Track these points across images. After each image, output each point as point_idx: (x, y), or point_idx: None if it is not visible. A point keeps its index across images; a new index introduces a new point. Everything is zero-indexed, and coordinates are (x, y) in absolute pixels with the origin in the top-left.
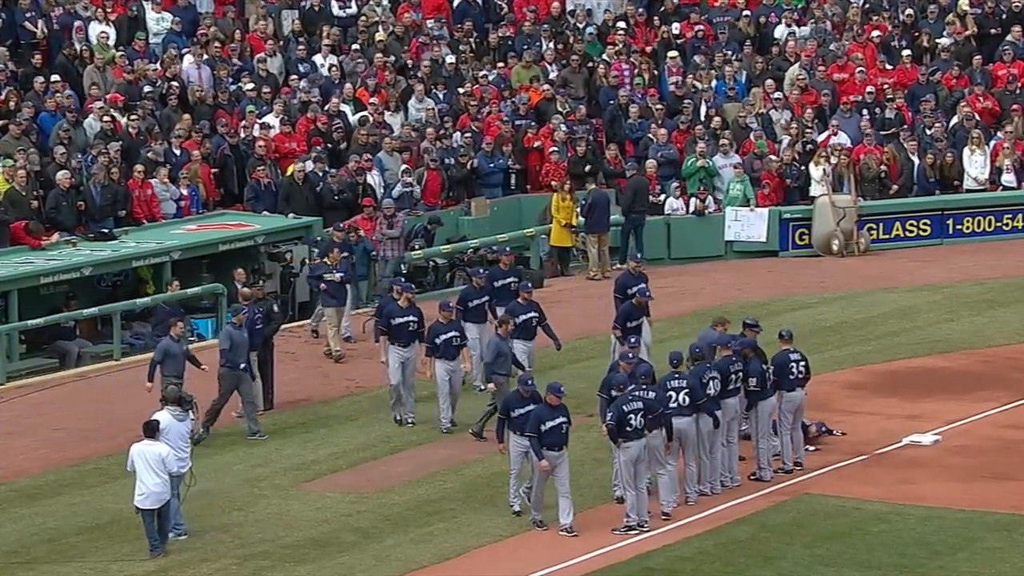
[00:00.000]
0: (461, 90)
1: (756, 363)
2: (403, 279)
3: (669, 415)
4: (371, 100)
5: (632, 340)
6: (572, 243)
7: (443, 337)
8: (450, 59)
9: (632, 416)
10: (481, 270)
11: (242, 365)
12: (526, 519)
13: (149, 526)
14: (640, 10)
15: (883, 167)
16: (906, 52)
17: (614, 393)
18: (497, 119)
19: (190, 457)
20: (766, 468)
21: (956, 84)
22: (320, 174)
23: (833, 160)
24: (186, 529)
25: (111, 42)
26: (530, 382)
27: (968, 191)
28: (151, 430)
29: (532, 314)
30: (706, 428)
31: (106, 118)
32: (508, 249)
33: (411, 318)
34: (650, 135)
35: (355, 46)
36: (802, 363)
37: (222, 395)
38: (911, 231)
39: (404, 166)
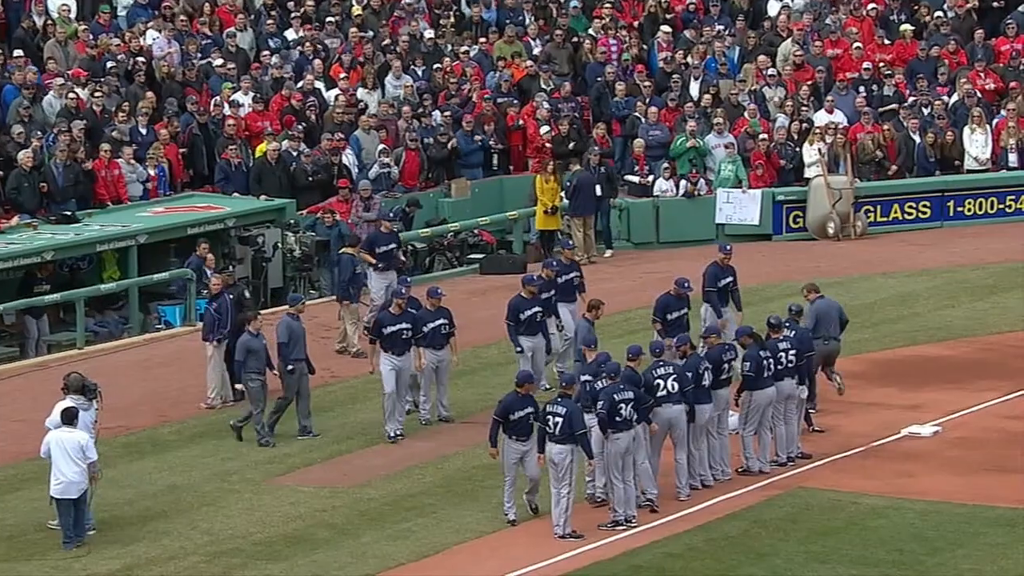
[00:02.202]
0: (439, 66)
1: (754, 349)
2: (407, 279)
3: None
4: (341, 76)
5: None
6: (557, 226)
7: (430, 325)
8: (429, 34)
9: (623, 406)
10: (554, 263)
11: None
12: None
13: (65, 518)
14: None
15: (879, 149)
16: (905, 26)
17: (603, 383)
18: (481, 96)
19: (94, 449)
20: (753, 459)
21: (953, 59)
22: (293, 154)
23: (828, 139)
24: (95, 524)
25: (72, 15)
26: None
27: (969, 171)
28: (70, 417)
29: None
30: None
31: (70, 95)
32: (572, 244)
33: (403, 326)
34: (637, 113)
35: (329, 20)
36: (792, 352)
37: (287, 393)
38: (910, 213)
39: (381, 146)
